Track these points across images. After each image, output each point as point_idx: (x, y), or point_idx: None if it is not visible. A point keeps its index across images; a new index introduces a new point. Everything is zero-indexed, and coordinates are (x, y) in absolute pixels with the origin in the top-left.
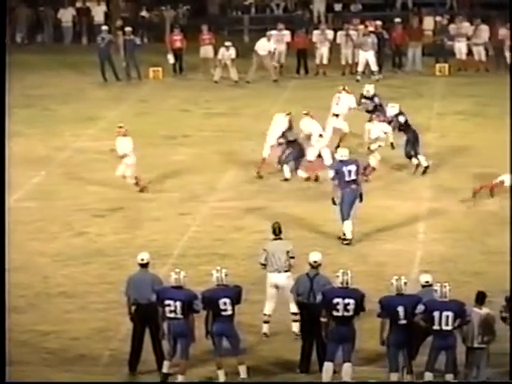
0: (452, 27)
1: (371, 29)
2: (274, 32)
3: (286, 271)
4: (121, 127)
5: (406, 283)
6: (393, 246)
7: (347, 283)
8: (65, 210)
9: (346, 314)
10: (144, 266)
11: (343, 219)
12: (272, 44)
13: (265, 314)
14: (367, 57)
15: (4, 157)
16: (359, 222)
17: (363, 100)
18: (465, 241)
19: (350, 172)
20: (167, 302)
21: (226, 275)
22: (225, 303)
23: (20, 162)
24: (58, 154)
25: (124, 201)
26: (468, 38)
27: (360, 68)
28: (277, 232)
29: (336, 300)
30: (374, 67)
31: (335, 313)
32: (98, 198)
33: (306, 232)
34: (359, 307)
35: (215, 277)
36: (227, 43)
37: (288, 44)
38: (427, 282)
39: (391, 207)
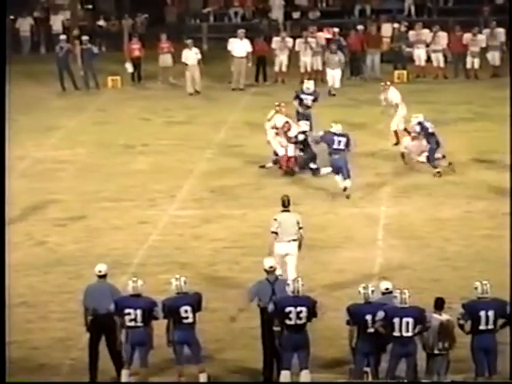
0: (411, 34)
1: (328, 36)
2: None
3: (295, 240)
4: None
5: (373, 291)
6: (352, 253)
7: (298, 291)
8: (25, 220)
9: (298, 322)
10: (102, 277)
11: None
12: (247, 44)
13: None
14: (334, 74)
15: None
16: (318, 228)
17: (303, 96)
18: (423, 247)
19: (339, 142)
20: (127, 310)
21: (185, 283)
22: (186, 311)
23: None
24: (19, 163)
25: (85, 210)
26: (427, 45)
27: (330, 83)
28: (286, 204)
29: (288, 309)
30: (337, 85)
31: (288, 321)
32: (58, 207)
33: (263, 240)
34: (311, 314)
35: (174, 285)
36: (188, 41)
37: (247, 55)
38: (387, 288)
39: (350, 214)
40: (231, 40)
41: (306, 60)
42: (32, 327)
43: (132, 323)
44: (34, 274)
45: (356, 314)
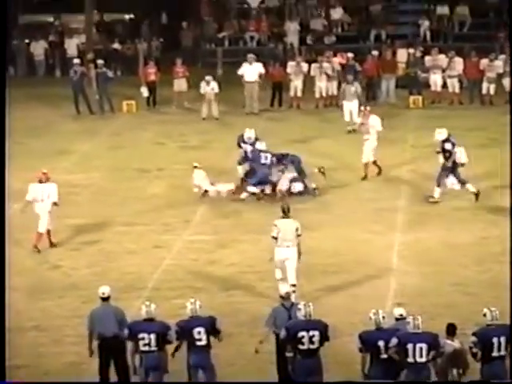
0: (428, 59)
1: (342, 61)
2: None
3: (294, 246)
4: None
5: (384, 317)
6: (365, 279)
7: (310, 315)
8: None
9: (311, 346)
10: (105, 299)
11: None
12: (260, 67)
13: (278, 279)
14: (351, 108)
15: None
16: (331, 254)
17: (243, 145)
18: (437, 273)
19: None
20: (141, 335)
21: (200, 307)
22: (199, 332)
23: None
24: None
25: (99, 234)
26: (443, 70)
27: (346, 118)
28: (286, 211)
29: (301, 333)
30: (356, 118)
31: (301, 346)
32: (73, 231)
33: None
34: (324, 338)
35: (189, 308)
36: (207, 77)
37: (260, 76)
38: (401, 315)
39: (364, 240)
40: (243, 65)
41: (321, 85)
42: (44, 351)
43: (146, 348)
44: (48, 298)
45: (368, 341)
